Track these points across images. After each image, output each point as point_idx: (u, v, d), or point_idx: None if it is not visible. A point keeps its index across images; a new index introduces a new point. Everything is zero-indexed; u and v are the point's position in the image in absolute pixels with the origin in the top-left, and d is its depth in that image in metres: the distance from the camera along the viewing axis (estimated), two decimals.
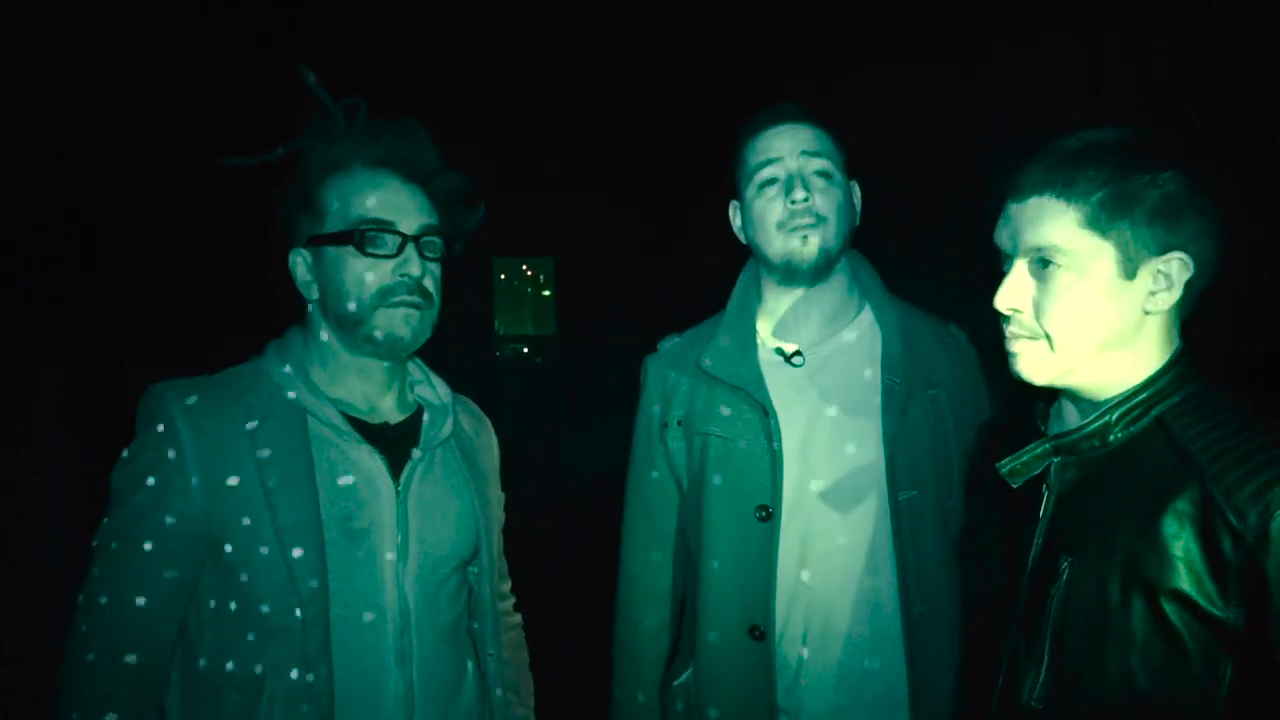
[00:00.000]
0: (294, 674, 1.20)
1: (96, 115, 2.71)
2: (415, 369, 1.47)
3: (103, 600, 1.20)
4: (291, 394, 1.29)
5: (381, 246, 1.28)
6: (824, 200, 1.52)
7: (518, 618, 1.60)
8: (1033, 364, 1.11)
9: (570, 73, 4.80)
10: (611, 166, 5.92)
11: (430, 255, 1.32)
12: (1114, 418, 1.08)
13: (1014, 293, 1.10)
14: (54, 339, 2.79)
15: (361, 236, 1.27)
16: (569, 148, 5.76)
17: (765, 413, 1.53)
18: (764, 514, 1.51)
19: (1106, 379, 1.09)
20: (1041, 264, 1.08)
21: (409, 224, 1.30)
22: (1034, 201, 1.07)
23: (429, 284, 1.32)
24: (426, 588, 1.32)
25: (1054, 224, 1.05)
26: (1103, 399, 1.10)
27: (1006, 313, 1.12)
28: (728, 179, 1.65)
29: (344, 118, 1.33)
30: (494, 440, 1.57)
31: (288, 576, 1.20)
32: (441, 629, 1.34)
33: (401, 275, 1.28)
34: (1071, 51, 2.84)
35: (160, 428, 1.23)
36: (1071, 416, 1.16)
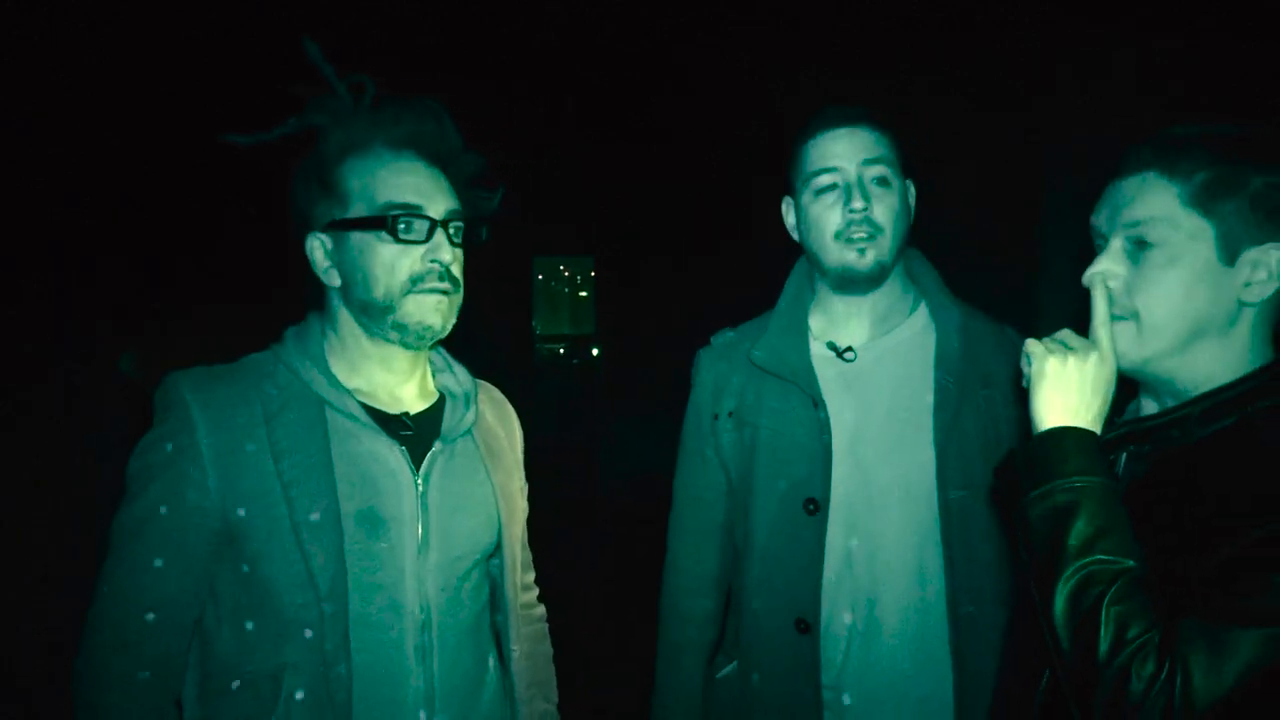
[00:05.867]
0: (313, 671, 1.17)
1: (94, 110, 2.67)
2: (437, 357, 1.44)
3: (112, 598, 1.17)
4: (309, 384, 1.25)
5: (413, 232, 1.24)
6: (882, 209, 1.49)
7: (541, 610, 1.57)
8: (1119, 344, 1.07)
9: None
10: (649, 165, 5.91)
11: (457, 241, 1.29)
12: (1196, 411, 1.04)
13: (1106, 268, 1.07)
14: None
15: (394, 221, 1.23)
16: (601, 146, 5.74)
17: (816, 405, 1.52)
18: (812, 507, 1.50)
19: (1194, 372, 1.05)
20: (1137, 245, 1.05)
21: (437, 208, 1.26)
22: (1135, 179, 1.06)
23: (457, 270, 1.29)
24: (448, 582, 1.29)
25: (1155, 199, 1.04)
26: (1188, 395, 1.06)
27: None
28: (782, 175, 1.62)
29: (350, 96, 1.28)
30: (517, 427, 1.53)
31: (306, 571, 1.17)
32: (463, 624, 1.31)
33: (433, 261, 1.25)
34: (1115, 53, 2.80)
35: (176, 420, 1.20)
36: (1150, 411, 1.12)
